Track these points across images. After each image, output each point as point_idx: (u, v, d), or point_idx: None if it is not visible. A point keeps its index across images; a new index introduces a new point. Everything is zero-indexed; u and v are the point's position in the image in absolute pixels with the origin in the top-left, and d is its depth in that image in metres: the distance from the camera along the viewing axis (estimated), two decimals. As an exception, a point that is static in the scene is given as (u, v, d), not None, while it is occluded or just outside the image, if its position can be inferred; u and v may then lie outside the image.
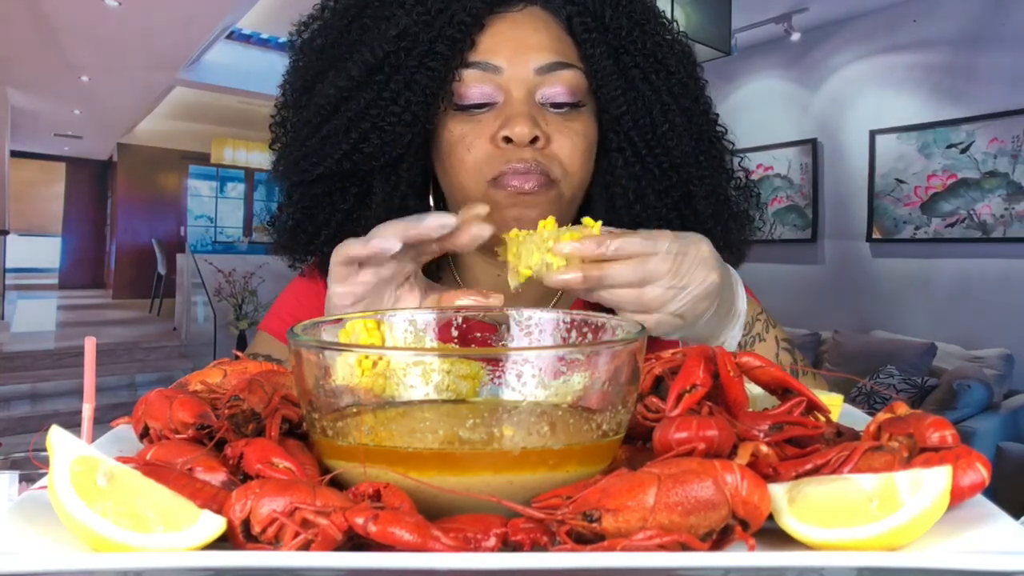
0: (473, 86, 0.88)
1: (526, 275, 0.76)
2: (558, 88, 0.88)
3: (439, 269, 1.01)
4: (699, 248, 0.75)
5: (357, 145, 0.90)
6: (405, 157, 0.93)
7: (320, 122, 0.92)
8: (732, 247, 0.99)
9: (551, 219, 0.77)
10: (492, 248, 0.89)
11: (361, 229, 0.93)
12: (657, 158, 0.92)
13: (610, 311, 0.95)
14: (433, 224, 0.72)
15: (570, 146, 0.89)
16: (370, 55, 0.88)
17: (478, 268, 1.02)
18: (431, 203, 1.00)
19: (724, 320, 0.81)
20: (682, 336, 0.79)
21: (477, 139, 0.88)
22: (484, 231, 0.74)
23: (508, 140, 0.86)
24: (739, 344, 0.83)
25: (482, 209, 0.75)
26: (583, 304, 1.01)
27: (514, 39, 0.88)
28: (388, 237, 0.71)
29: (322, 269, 0.98)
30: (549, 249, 0.74)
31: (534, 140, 0.86)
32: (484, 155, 0.88)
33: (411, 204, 0.97)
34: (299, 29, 0.98)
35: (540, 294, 1.02)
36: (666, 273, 0.73)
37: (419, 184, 0.98)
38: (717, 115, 1.00)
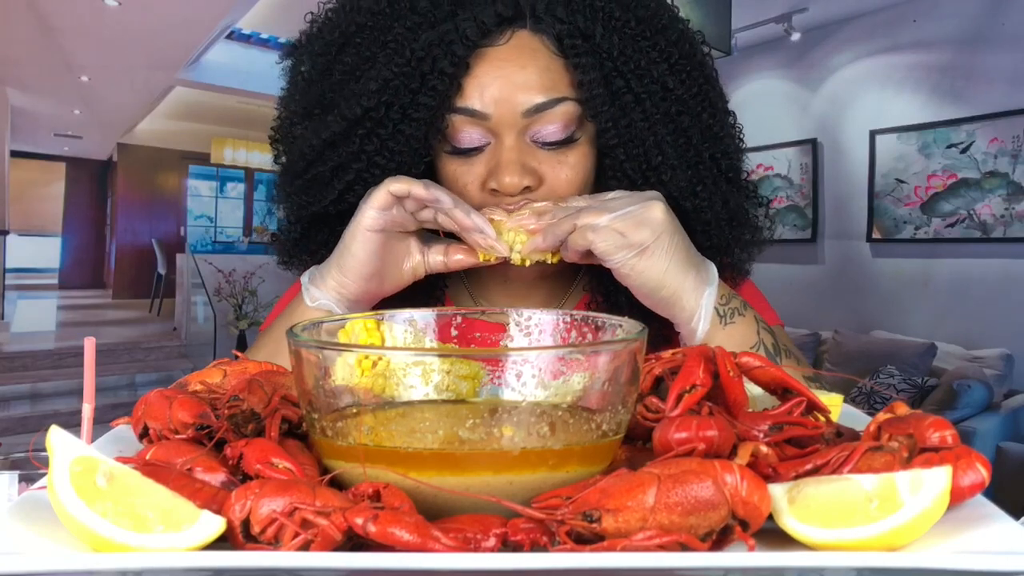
0: (462, 131, 0.86)
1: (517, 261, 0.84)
2: (550, 128, 0.86)
3: (447, 275, 1.00)
4: (643, 193, 0.82)
5: (343, 195, 0.90)
6: None
7: (306, 165, 0.91)
8: (735, 270, 0.97)
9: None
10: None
11: None
12: (652, 188, 0.88)
13: (610, 311, 0.95)
14: (476, 224, 0.80)
15: (566, 181, 0.87)
16: (348, 111, 0.86)
17: (485, 273, 1.02)
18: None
19: (688, 273, 0.80)
20: (622, 263, 0.79)
21: (469, 184, 0.88)
22: (487, 230, 0.81)
23: (497, 191, 0.85)
24: (718, 311, 0.82)
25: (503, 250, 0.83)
26: (586, 305, 1.01)
27: (500, 80, 0.84)
28: (441, 198, 0.79)
29: None
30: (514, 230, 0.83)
31: (525, 188, 0.85)
32: (476, 201, 0.87)
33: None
34: (290, 49, 0.97)
35: (547, 296, 1.02)
36: (606, 201, 0.80)
37: None
38: (726, 120, 0.96)
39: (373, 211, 0.80)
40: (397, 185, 0.78)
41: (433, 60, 0.83)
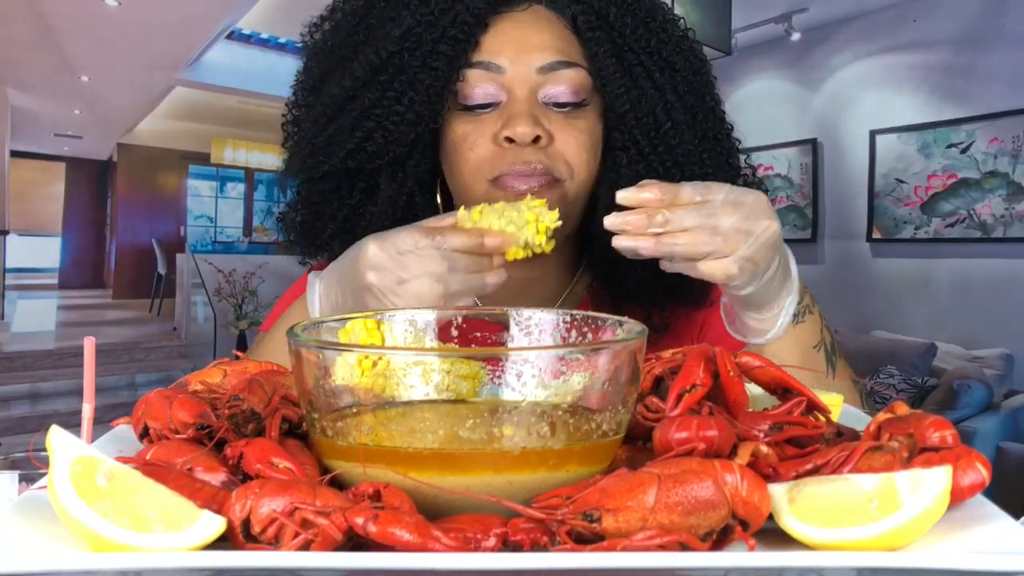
0: (476, 86, 0.88)
1: (519, 255, 0.78)
2: (561, 87, 0.88)
3: None
4: (757, 196, 0.73)
5: (361, 144, 0.91)
6: (412, 154, 0.93)
7: (326, 121, 0.92)
8: None
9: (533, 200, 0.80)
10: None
11: (366, 224, 0.95)
12: (660, 156, 0.91)
13: (611, 311, 0.95)
14: (493, 285, 0.77)
15: (574, 144, 0.89)
16: (374, 55, 0.88)
17: None
18: (439, 201, 1.00)
19: (784, 283, 0.79)
20: (750, 292, 0.75)
21: (480, 138, 0.89)
22: (502, 279, 0.78)
23: (510, 140, 0.86)
24: (794, 315, 0.80)
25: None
26: (588, 305, 1.01)
27: (517, 38, 0.89)
28: (465, 293, 0.75)
29: (331, 259, 0.99)
30: (535, 222, 0.76)
31: (536, 140, 0.86)
32: (487, 155, 0.88)
33: (418, 201, 0.98)
34: (310, 30, 0.99)
35: (549, 289, 1.02)
36: (731, 216, 0.71)
37: (426, 181, 0.98)
38: (724, 112, 0.99)
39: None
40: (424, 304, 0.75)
41: (455, 13, 0.87)
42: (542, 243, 0.78)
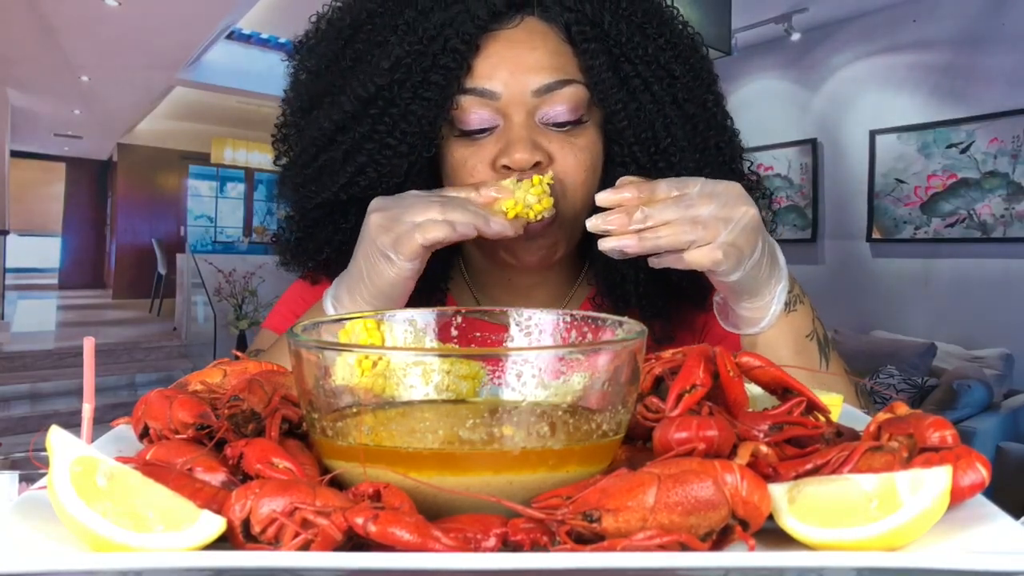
0: (471, 112, 0.86)
1: (518, 209, 0.81)
2: (559, 108, 0.86)
3: (449, 269, 1.01)
4: (731, 185, 0.75)
5: (354, 178, 0.89)
6: (408, 179, 0.91)
7: (316, 152, 0.91)
8: None
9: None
10: (500, 253, 0.92)
11: None
12: (661, 172, 0.89)
13: (616, 308, 0.95)
14: (496, 230, 0.79)
15: (574, 162, 0.87)
16: (362, 89, 0.86)
17: (486, 272, 1.02)
18: None
19: (772, 270, 0.80)
20: (738, 278, 0.76)
21: (479, 164, 0.87)
22: (508, 231, 0.80)
23: (508, 167, 0.85)
24: (786, 303, 0.82)
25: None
26: (590, 306, 1.01)
27: (510, 60, 0.86)
28: (468, 224, 0.77)
29: (328, 274, 0.98)
30: (528, 183, 0.82)
31: (535, 165, 0.85)
32: (486, 181, 0.87)
33: None
34: (296, 46, 0.97)
35: (551, 294, 1.02)
36: (708, 205, 0.73)
37: None
38: (727, 115, 0.98)
39: (409, 264, 0.78)
40: (428, 236, 0.76)
41: (444, 39, 0.84)
42: (539, 195, 0.82)
